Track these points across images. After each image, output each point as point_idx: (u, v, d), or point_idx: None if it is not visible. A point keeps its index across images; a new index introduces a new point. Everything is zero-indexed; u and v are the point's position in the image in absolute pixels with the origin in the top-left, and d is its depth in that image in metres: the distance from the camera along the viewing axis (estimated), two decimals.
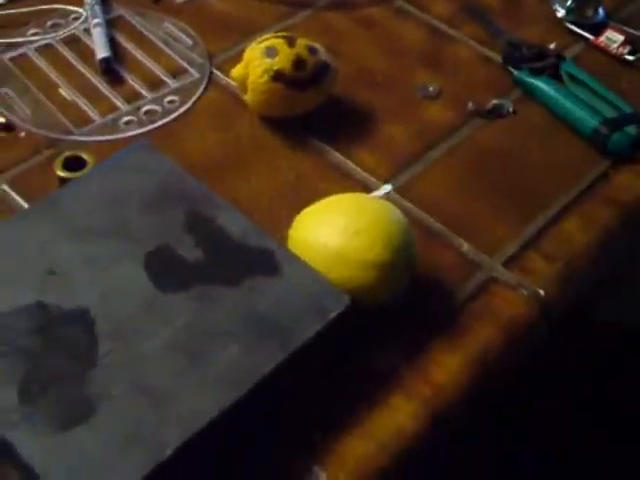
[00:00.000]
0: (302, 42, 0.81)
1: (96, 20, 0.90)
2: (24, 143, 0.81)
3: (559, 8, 0.98)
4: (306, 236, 0.68)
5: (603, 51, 0.95)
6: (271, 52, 0.80)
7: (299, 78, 0.80)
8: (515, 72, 0.90)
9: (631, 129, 0.85)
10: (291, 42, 0.81)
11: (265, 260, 0.67)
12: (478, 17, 0.97)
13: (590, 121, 0.85)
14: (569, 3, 0.97)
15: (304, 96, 0.81)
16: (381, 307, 0.68)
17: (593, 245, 0.77)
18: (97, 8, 0.92)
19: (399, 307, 0.69)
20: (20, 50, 0.89)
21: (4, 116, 0.82)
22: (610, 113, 0.87)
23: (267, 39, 0.81)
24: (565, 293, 0.74)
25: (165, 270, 0.66)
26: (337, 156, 0.82)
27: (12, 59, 0.88)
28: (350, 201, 0.69)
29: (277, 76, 0.79)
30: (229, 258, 0.67)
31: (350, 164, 0.82)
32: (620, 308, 0.95)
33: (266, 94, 0.80)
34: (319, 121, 0.84)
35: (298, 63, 0.80)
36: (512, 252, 0.76)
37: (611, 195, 0.81)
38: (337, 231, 0.66)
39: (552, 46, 0.96)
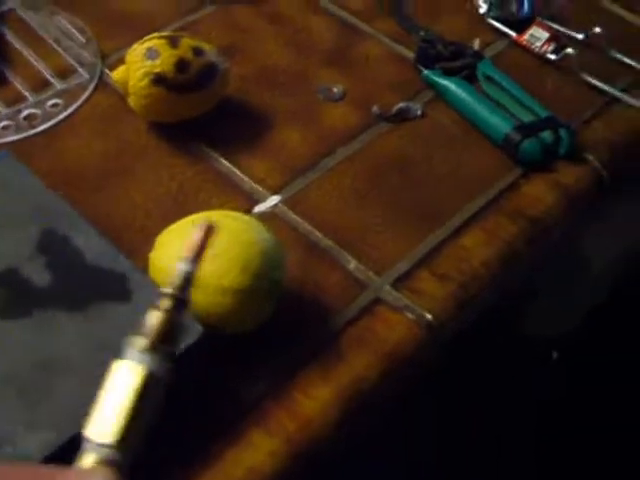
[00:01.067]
0: (187, 42, 0.76)
1: None
2: None
3: (481, 3, 0.92)
4: (162, 259, 0.63)
5: (526, 49, 0.89)
6: (152, 54, 0.74)
7: (182, 81, 0.74)
8: (425, 72, 0.84)
9: (547, 135, 0.80)
10: (174, 43, 0.75)
11: (117, 284, 0.62)
12: (394, 11, 0.91)
13: (502, 126, 0.79)
14: None
15: (189, 100, 0.76)
16: (248, 333, 0.63)
17: (493, 263, 0.72)
18: None
19: (269, 333, 0.64)
20: None
21: None
22: (528, 118, 0.81)
23: (149, 39, 0.76)
24: (456, 315, 0.69)
25: (8, 295, 0.61)
26: (225, 164, 0.77)
27: None
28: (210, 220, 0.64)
29: (158, 79, 0.74)
30: (79, 282, 0.62)
31: (238, 173, 0.76)
32: (538, 321, 0.90)
33: (148, 98, 0.75)
34: (210, 126, 0.79)
35: (181, 65, 0.74)
36: (403, 271, 0.71)
37: (518, 208, 0.76)
38: None
39: (476, 43, 0.90)
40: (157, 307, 0.51)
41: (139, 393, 0.48)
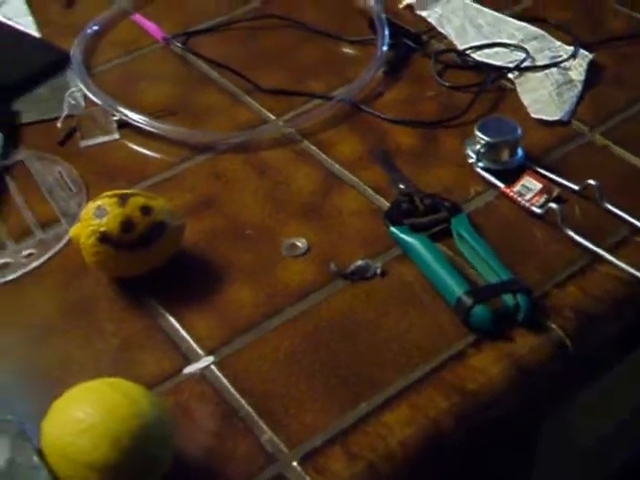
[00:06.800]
0: (137, 201, 0.77)
1: None
2: None
3: (470, 153, 0.88)
4: (46, 428, 0.63)
5: (513, 201, 0.85)
6: (100, 212, 0.77)
7: (127, 240, 0.76)
8: (391, 228, 0.82)
9: (509, 299, 0.75)
10: (124, 201, 0.77)
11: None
12: (382, 161, 0.90)
13: (456, 289, 0.75)
14: (478, 147, 0.87)
15: (136, 257, 0.77)
16: None
17: (411, 443, 0.67)
18: None
19: None
20: None
21: None
22: (494, 280, 0.77)
23: (101, 197, 0.78)
24: None
25: None
26: (170, 321, 0.77)
27: None
28: (94, 390, 0.64)
29: (103, 238, 0.76)
30: None
31: (180, 331, 0.76)
32: None
33: (96, 255, 0.77)
34: (166, 281, 0.80)
35: (126, 224, 0.76)
36: (315, 446, 0.67)
37: (457, 381, 0.71)
38: (68, 426, 0.61)
39: (472, 193, 0.87)
40: None
41: None
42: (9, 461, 0.63)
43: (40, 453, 0.63)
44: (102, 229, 0.76)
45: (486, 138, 0.87)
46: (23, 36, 1.11)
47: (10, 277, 0.82)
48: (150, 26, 1.13)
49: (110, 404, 0.62)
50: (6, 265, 0.83)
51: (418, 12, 1.13)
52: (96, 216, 0.77)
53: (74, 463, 0.60)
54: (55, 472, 0.62)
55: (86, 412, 0.61)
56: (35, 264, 0.83)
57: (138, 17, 1.15)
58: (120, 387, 0.64)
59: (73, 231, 0.79)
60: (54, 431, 0.62)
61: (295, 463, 0.66)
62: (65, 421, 0.62)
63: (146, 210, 0.77)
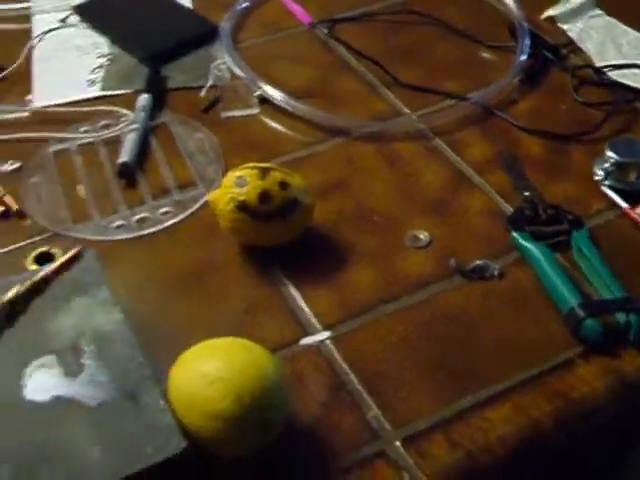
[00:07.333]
0: (276, 175, 0.82)
1: (134, 125, 0.97)
2: (24, 230, 0.87)
3: (597, 170, 0.90)
4: (175, 376, 0.68)
5: (635, 223, 0.86)
6: (241, 182, 0.81)
7: (263, 211, 0.80)
8: (513, 233, 0.84)
9: (621, 318, 0.77)
10: (264, 174, 0.81)
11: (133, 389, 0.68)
12: (510, 167, 0.92)
13: (570, 300, 0.77)
14: (607, 165, 0.89)
15: (269, 228, 0.82)
16: (244, 462, 0.67)
17: (510, 441, 0.70)
18: (141, 114, 0.98)
19: (261, 465, 0.68)
20: (65, 145, 0.97)
21: (18, 203, 0.90)
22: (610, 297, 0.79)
23: (243, 168, 0.83)
24: None
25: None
26: (293, 292, 0.81)
27: (56, 152, 0.96)
28: (224, 347, 0.68)
29: (241, 206, 0.80)
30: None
31: (301, 303, 0.80)
32: None
33: (232, 222, 0.82)
34: (292, 254, 0.84)
35: (264, 196, 0.80)
36: (418, 430, 0.71)
37: (563, 389, 0.73)
38: (197, 377, 0.66)
39: (594, 209, 0.89)
40: None
41: None
42: (135, 399, 0.67)
43: (166, 398, 0.68)
44: (241, 198, 0.80)
45: (616, 157, 0.88)
46: (177, 7, 1.17)
47: (147, 231, 0.87)
48: (297, 9, 1.17)
49: (241, 363, 0.66)
50: (144, 219, 0.88)
51: (559, 25, 1.14)
52: (237, 185, 0.81)
53: (197, 411, 0.65)
54: (178, 418, 0.66)
55: (217, 366, 0.66)
56: (171, 222, 0.88)
57: None
58: (252, 350, 0.68)
59: (212, 196, 0.84)
60: (183, 380, 0.67)
61: (398, 443, 0.70)
62: (195, 372, 0.66)
63: (283, 185, 0.82)
